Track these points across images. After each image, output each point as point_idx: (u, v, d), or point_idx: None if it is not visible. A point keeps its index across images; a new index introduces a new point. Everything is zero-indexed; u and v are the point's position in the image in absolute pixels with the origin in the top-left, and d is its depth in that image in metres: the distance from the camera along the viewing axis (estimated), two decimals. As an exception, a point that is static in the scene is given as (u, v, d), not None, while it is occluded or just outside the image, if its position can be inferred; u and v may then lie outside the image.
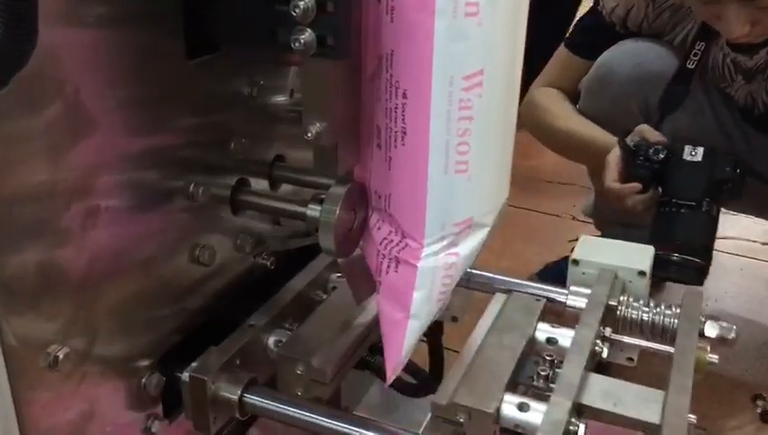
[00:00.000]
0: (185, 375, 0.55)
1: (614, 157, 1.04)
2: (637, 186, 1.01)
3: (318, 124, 0.49)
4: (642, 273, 0.69)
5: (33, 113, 0.42)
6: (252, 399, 0.56)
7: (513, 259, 1.47)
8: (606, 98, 1.13)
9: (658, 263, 0.98)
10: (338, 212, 0.54)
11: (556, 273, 0.96)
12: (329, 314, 0.65)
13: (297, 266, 0.72)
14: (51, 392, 0.47)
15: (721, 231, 1.55)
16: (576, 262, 0.70)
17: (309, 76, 0.49)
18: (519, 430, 0.54)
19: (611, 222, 1.35)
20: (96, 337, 0.50)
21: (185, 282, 0.58)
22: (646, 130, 1.05)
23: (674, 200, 0.97)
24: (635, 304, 0.66)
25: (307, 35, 0.45)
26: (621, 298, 0.66)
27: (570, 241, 1.42)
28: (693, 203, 0.96)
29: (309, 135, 0.49)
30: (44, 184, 0.44)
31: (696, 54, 1.05)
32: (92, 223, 0.48)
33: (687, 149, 0.98)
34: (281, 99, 0.66)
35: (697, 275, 0.97)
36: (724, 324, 0.64)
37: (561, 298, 0.68)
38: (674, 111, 1.08)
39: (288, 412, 0.55)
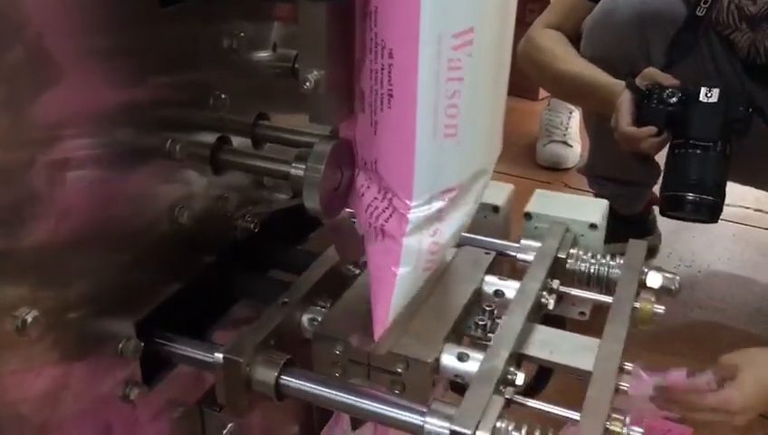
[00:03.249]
0: (217, 356, 0.52)
1: (626, 100, 1.04)
2: (652, 129, 1.02)
3: (315, 72, 0.46)
4: (593, 226, 0.68)
5: (-10, 58, 0.39)
6: (289, 381, 0.53)
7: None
8: (608, 35, 1.13)
9: (674, 203, 1.01)
10: (323, 170, 0.52)
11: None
12: (364, 290, 0.61)
13: (283, 230, 0.69)
14: (20, 359, 0.45)
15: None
16: (528, 215, 0.70)
17: (305, 22, 0.46)
18: (458, 380, 0.53)
19: (603, 177, 1.36)
20: (68, 300, 0.47)
21: (163, 243, 0.56)
22: (655, 74, 1.04)
23: (691, 141, 0.99)
24: (584, 256, 0.65)
25: None
26: (571, 251, 0.65)
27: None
28: (709, 144, 0.98)
29: (307, 84, 0.46)
30: (5, 136, 0.41)
31: (705, 2, 1.04)
32: (60, 180, 0.45)
33: (703, 90, 0.99)
34: (263, 53, 0.63)
35: (711, 212, 1.00)
36: (668, 275, 0.64)
37: (512, 252, 0.67)
38: (683, 59, 1.07)
39: (328, 395, 0.52)
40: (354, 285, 0.62)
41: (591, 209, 0.70)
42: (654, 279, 0.63)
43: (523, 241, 0.67)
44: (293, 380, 0.53)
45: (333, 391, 0.52)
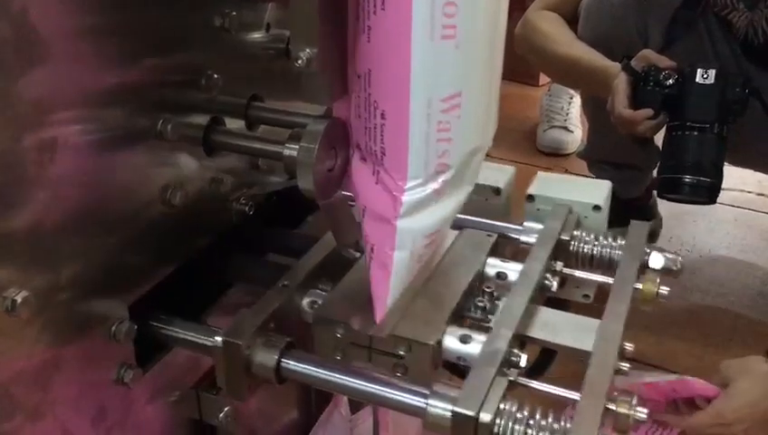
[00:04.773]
0: (217, 340, 0.51)
1: (622, 83, 1.03)
2: (649, 111, 1.01)
3: (308, 50, 0.46)
4: (597, 207, 0.67)
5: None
6: (290, 364, 0.52)
7: (504, 212, 1.45)
8: (605, 15, 1.12)
9: (672, 185, 1.01)
10: (317, 150, 0.51)
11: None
12: (364, 273, 0.59)
13: (278, 213, 0.69)
14: (10, 340, 0.44)
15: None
16: (531, 197, 0.69)
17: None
18: (461, 363, 0.52)
19: (602, 162, 1.35)
20: (59, 281, 0.47)
21: (156, 225, 0.55)
22: (651, 55, 1.04)
23: (688, 123, 0.98)
24: (587, 238, 0.64)
25: None
26: (574, 233, 0.64)
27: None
28: (706, 125, 0.97)
29: (299, 62, 0.46)
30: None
31: None
32: (49, 160, 0.44)
33: (699, 72, 0.98)
34: (256, 33, 0.62)
35: (710, 194, 1.00)
36: (670, 255, 0.63)
37: (515, 234, 0.66)
38: (681, 39, 1.06)
39: (329, 378, 0.51)
40: (355, 268, 0.61)
41: (595, 191, 0.69)
42: (656, 260, 0.62)
43: (525, 223, 0.66)
44: (294, 363, 0.52)
45: (334, 374, 0.51)
